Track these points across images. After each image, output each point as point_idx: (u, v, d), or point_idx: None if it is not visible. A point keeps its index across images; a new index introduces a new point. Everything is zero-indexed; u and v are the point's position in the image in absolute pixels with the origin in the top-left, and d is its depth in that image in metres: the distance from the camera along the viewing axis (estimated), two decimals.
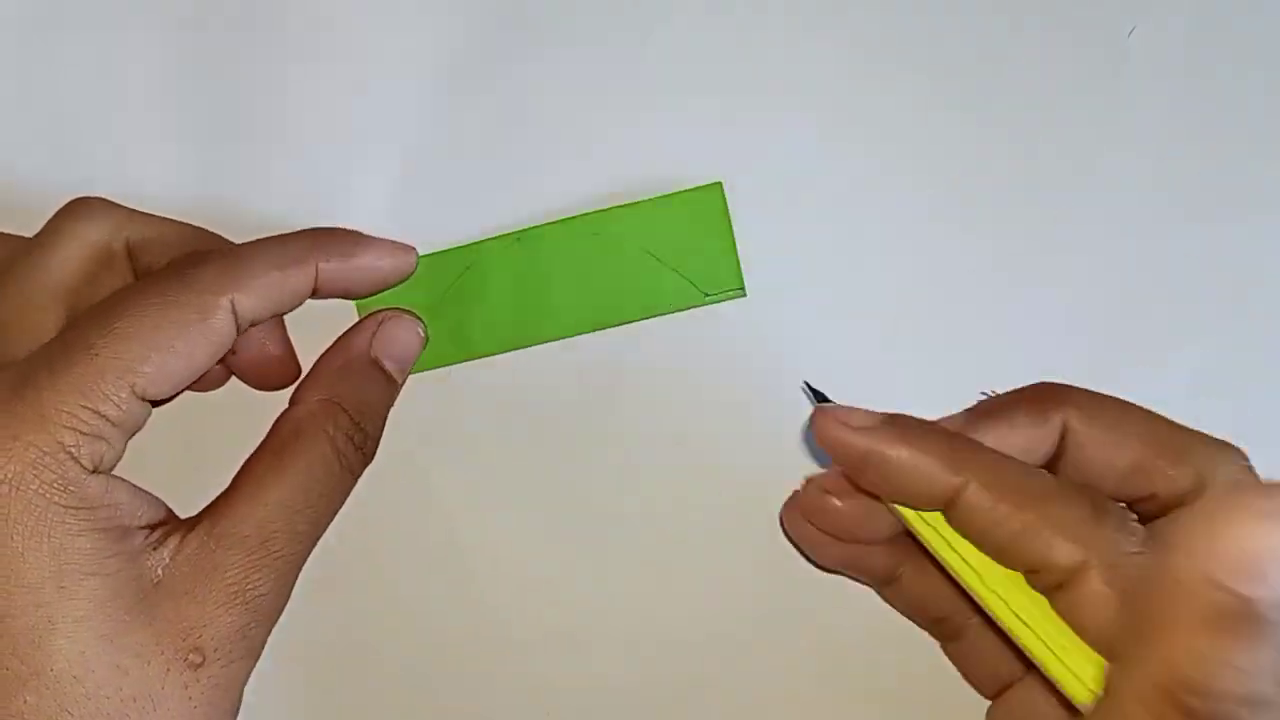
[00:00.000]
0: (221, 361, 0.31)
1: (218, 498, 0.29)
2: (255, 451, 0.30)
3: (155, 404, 0.28)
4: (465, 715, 0.35)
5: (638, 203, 0.34)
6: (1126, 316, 0.36)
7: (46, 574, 0.26)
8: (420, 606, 0.35)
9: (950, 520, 0.27)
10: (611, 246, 0.34)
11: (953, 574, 0.27)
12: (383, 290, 0.33)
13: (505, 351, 0.35)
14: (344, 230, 0.32)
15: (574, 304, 0.34)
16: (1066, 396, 0.29)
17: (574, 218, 0.34)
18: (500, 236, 0.35)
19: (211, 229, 0.33)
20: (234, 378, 0.34)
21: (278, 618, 0.29)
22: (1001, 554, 0.26)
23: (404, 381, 0.33)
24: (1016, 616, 0.26)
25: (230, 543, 0.28)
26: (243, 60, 0.35)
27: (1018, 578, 0.26)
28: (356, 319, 0.34)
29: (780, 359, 0.35)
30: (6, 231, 0.33)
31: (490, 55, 0.36)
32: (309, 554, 0.30)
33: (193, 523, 0.29)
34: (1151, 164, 0.36)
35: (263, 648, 0.29)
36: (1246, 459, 0.27)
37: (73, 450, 0.26)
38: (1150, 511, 0.27)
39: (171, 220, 0.32)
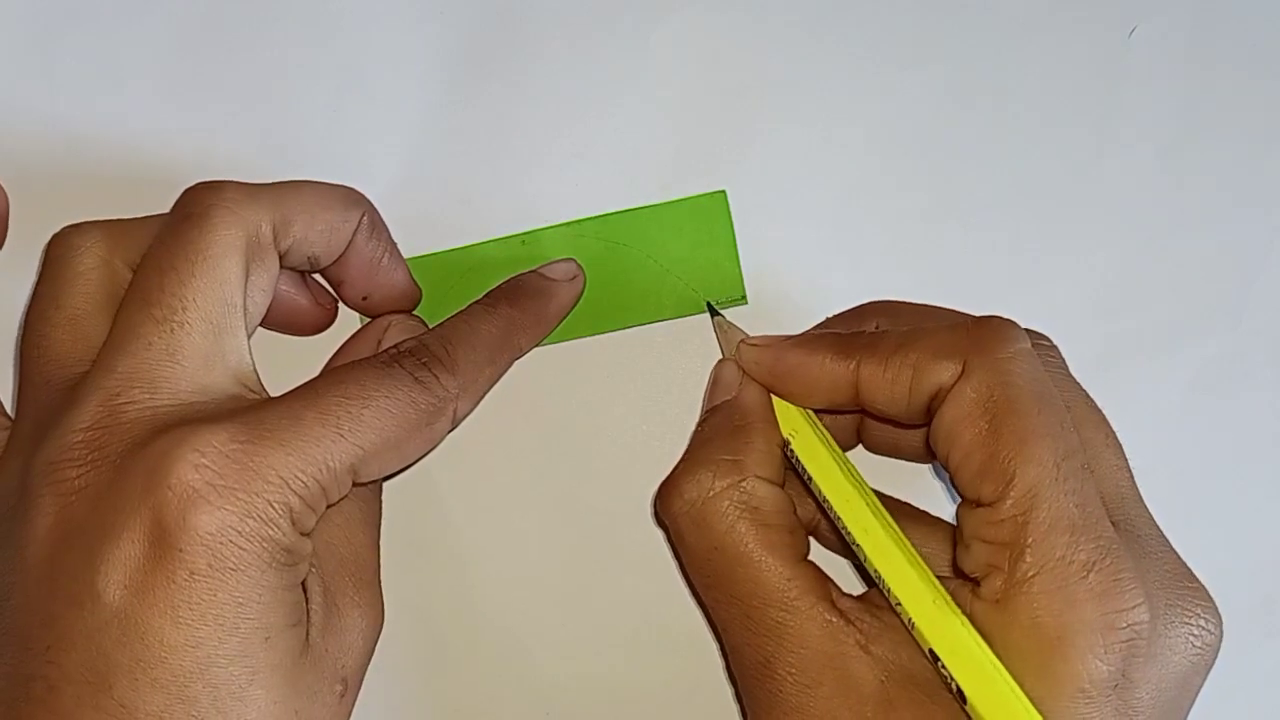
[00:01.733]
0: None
1: None
2: None
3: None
4: (465, 715, 0.35)
5: (641, 208, 0.34)
6: (1127, 316, 0.36)
7: (258, 625, 0.26)
8: (420, 606, 0.35)
9: (859, 399, 0.29)
10: (614, 251, 0.34)
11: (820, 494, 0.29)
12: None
13: None
14: (533, 291, 0.33)
15: (575, 308, 0.34)
16: (882, 308, 0.32)
17: (577, 221, 0.34)
18: (503, 239, 0.35)
19: None
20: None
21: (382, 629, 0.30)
22: (905, 409, 0.28)
23: None
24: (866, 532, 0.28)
25: (334, 568, 0.29)
26: (242, 60, 0.35)
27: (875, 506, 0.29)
28: (358, 320, 0.34)
29: None
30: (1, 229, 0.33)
31: (493, 58, 0.36)
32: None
33: None
34: (1151, 164, 0.36)
35: None
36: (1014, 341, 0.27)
37: (298, 517, 0.26)
38: (935, 409, 0.28)
39: (295, 187, 0.30)
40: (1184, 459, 0.36)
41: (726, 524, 0.28)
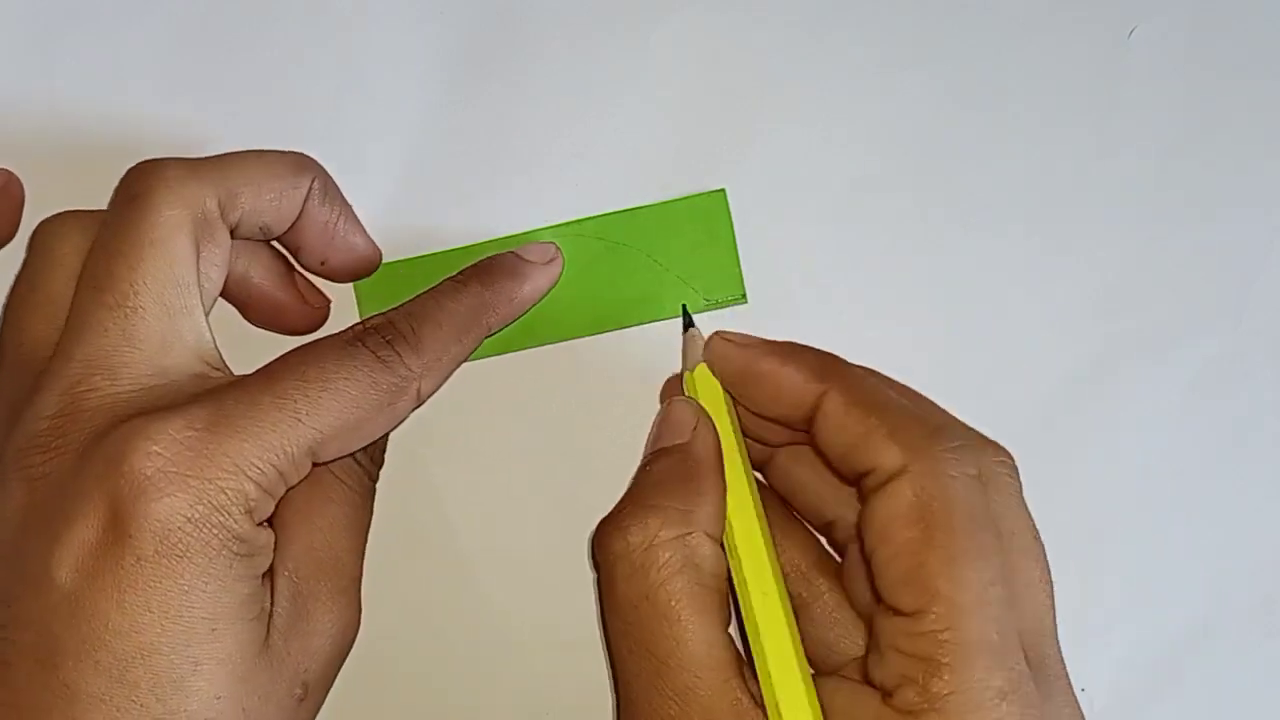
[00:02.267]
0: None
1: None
2: None
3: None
4: (465, 715, 0.35)
5: (641, 208, 0.34)
6: (1127, 316, 0.36)
7: (204, 615, 0.26)
8: (420, 606, 0.35)
9: (812, 426, 0.29)
10: (614, 251, 0.34)
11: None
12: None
13: (505, 353, 0.35)
14: (506, 270, 0.32)
15: (575, 307, 0.34)
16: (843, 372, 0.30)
17: (576, 221, 0.34)
18: (503, 238, 0.35)
19: None
20: None
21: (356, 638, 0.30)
22: (844, 458, 0.28)
23: None
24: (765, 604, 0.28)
25: (310, 571, 0.29)
26: (242, 60, 0.35)
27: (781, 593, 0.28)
28: (357, 318, 0.34)
29: None
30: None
31: (493, 58, 0.36)
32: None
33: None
34: (1151, 164, 0.36)
35: None
36: (959, 443, 0.27)
37: (253, 503, 0.26)
38: (869, 486, 0.27)
39: (240, 158, 0.30)
40: (1184, 459, 0.36)
41: (663, 576, 0.27)
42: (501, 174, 0.35)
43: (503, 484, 0.35)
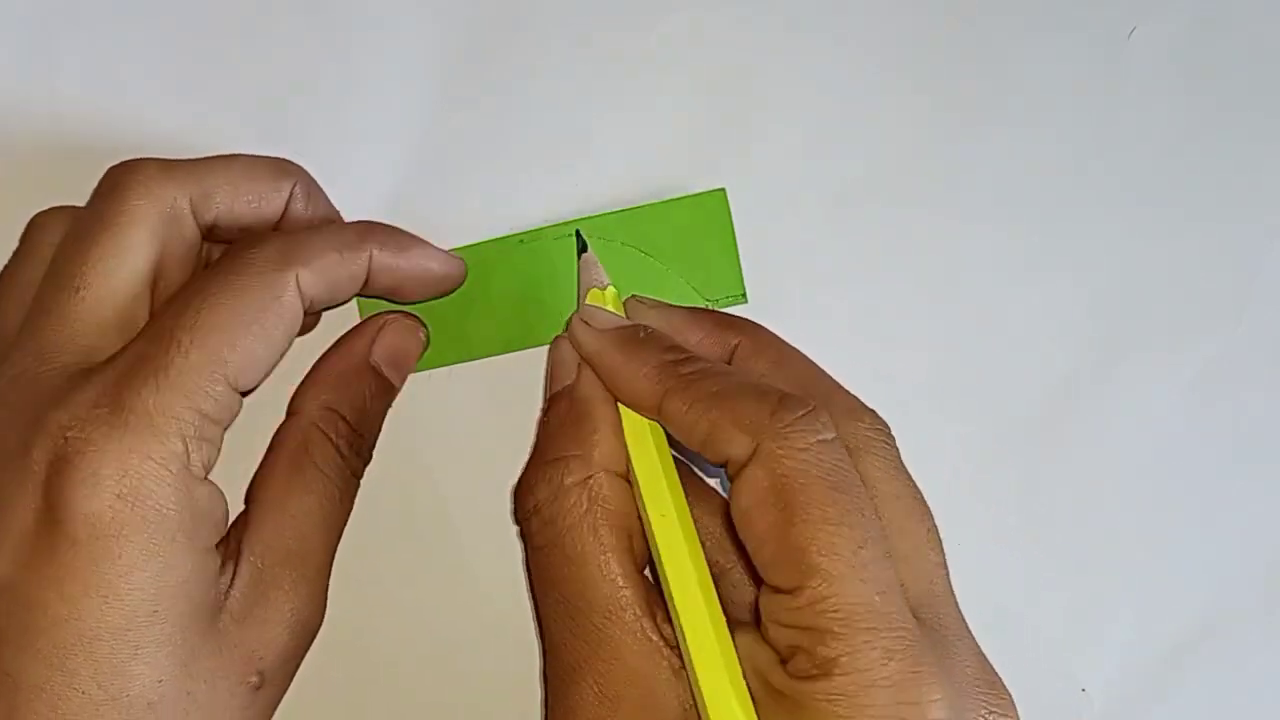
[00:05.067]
0: None
1: (242, 515, 0.30)
2: (267, 464, 0.30)
3: (244, 395, 0.28)
4: (464, 714, 0.35)
5: (641, 207, 0.34)
6: (1127, 316, 0.36)
7: (145, 596, 0.26)
8: (419, 605, 0.35)
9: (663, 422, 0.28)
10: (614, 250, 0.34)
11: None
12: (431, 297, 0.33)
13: (505, 352, 0.35)
14: (396, 227, 0.32)
15: (575, 307, 0.34)
16: (754, 332, 0.31)
17: (576, 220, 0.34)
18: (502, 238, 0.35)
19: None
20: None
21: (318, 631, 0.30)
22: (702, 455, 0.27)
23: (403, 385, 0.33)
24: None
25: (276, 559, 0.29)
26: (242, 60, 0.35)
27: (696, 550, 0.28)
28: (358, 319, 0.34)
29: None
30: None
31: (493, 58, 0.36)
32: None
33: (234, 540, 0.29)
34: (1151, 164, 0.36)
35: None
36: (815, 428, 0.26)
37: (184, 458, 0.26)
38: (729, 477, 0.27)
39: (222, 160, 0.31)
40: (1184, 459, 0.36)
41: (570, 521, 0.28)
42: (502, 174, 0.35)
43: (501, 483, 0.35)
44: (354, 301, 0.34)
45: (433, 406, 0.35)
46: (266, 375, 0.29)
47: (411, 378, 0.34)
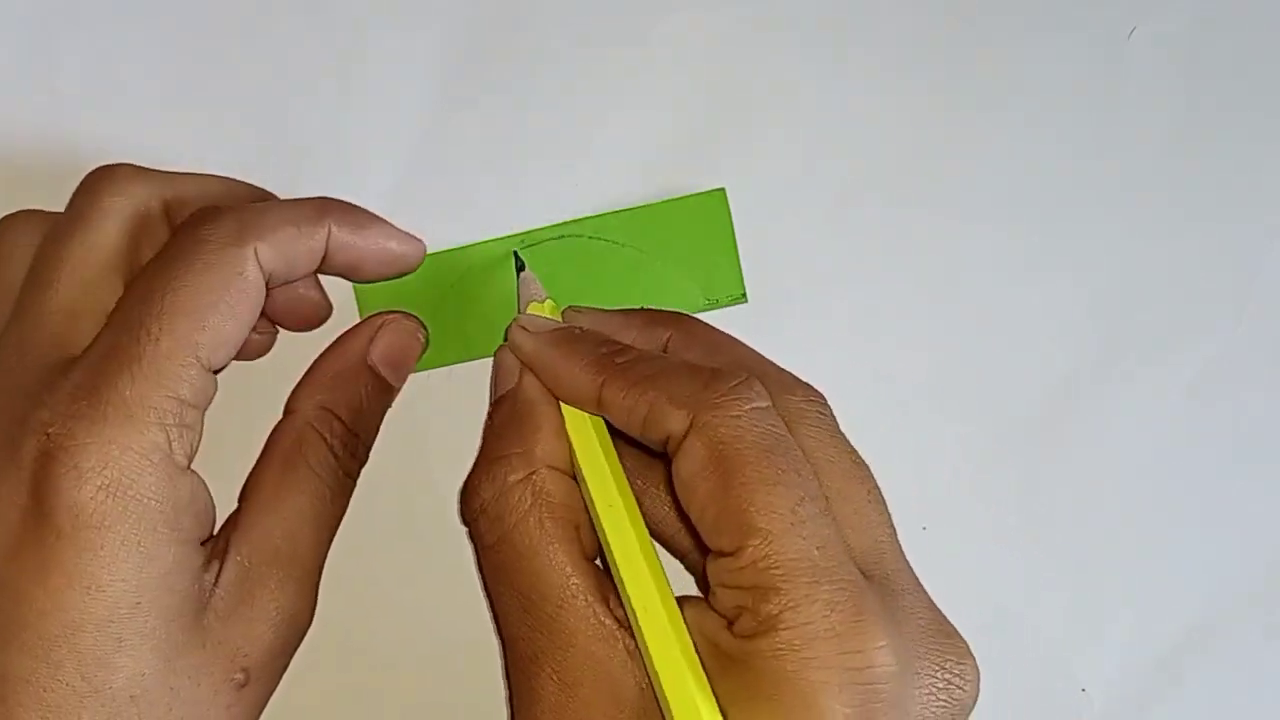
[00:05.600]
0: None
1: (235, 513, 0.30)
2: (261, 463, 0.30)
3: (216, 373, 0.28)
4: (464, 714, 0.35)
5: (641, 208, 0.34)
6: (1127, 316, 0.36)
7: (128, 587, 0.26)
8: (419, 605, 0.35)
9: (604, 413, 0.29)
10: (614, 250, 0.34)
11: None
12: (389, 276, 0.33)
13: None
14: (354, 204, 0.32)
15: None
16: (678, 323, 0.31)
17: (575, 221, 0.34)
18: (502, 238, 0.35)
19: None
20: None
21: (307, 631, 0.30)
22: (644, 438, 0.28)
23: (402, 385, 0.33)
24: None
25: (264, 558, 0.29)
26: (242, 61, 0.35)
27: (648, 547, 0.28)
28: (357, 319, 0.34)
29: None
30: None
31: (493, 59, 0.36)
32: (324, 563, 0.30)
33: (223, 538, 0.29)
34: (1151, 164, 0.36)
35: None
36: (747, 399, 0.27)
37: (165, 448, 0.26)
38: (670, 454, 0.27)
39: (200, 175, 0.32)
40: (1184, 459, 0.36)
41: (516, 517, 0.28)
42: (502, 174, 0.35)
43: None
44: (354, 302, 0.34)
45: (433, 406, 0.35)
46: (236, 351, 0.29)
47: (411, 378, 0.34)
